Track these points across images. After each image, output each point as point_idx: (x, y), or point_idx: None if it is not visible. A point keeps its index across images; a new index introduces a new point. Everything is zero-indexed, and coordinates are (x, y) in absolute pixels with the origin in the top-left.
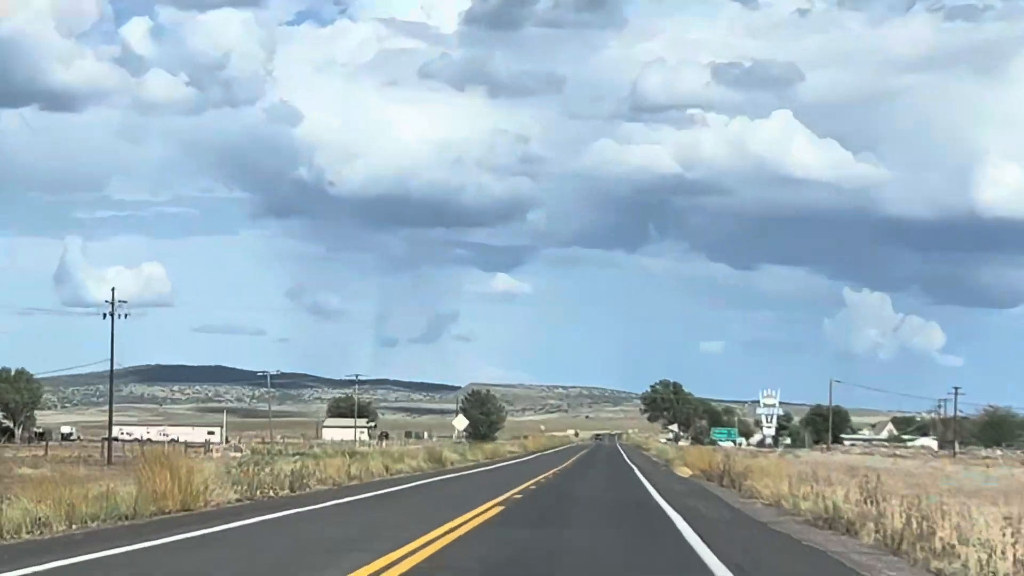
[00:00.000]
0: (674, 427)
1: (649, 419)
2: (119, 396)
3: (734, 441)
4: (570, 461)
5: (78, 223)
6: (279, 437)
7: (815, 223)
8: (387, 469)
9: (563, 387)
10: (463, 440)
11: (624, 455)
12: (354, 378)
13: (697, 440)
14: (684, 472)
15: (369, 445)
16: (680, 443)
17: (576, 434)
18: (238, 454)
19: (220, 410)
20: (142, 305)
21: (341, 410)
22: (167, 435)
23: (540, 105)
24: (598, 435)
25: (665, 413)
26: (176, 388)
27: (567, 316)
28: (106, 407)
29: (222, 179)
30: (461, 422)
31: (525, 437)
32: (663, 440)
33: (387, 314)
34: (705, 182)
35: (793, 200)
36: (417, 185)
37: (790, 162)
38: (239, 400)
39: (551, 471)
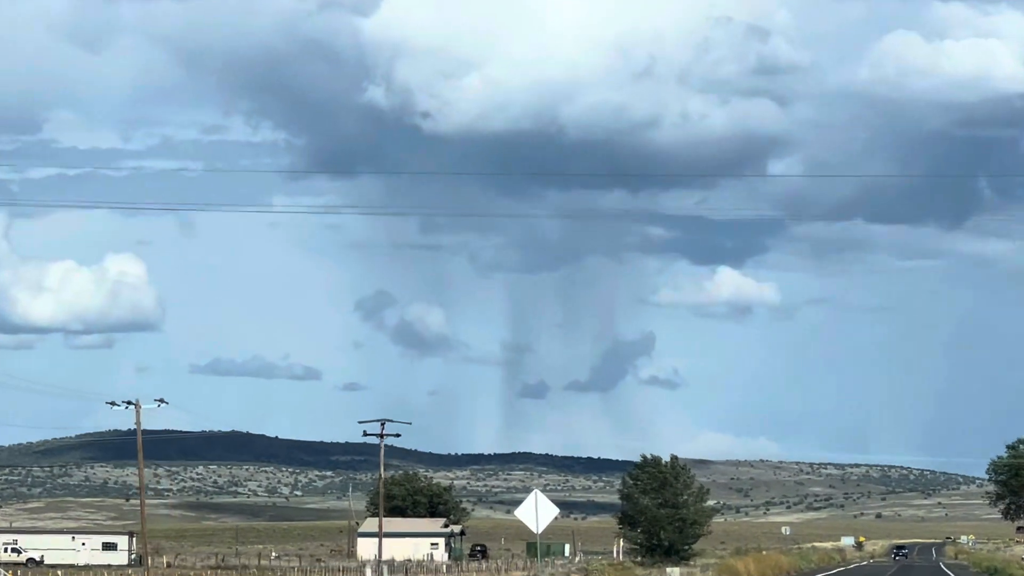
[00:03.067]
0: None
1: (1006, 513)
2: (60, 485)
3: None
4: None
5: None
6: (273, 555)
7: None
8: None
9: (836, 466)
10: (630, 558)
11: None
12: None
13: None
14: None
15: (425, 567)
16: None
17: (859, 545)
18: None
19: (237, 509)
20: (107, 329)
21: (396, 503)
22: (19, 550)
23: None
24: (900, 547)
25: None
26: (163, 470)
27: (843, 343)
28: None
29: (240, 110)
30: (543, 512)
31: (758, 551)
32: None
33: (528, 343)
34: None
35: None
36: (576, 116)
37: None
38: (271, 492)
39: None
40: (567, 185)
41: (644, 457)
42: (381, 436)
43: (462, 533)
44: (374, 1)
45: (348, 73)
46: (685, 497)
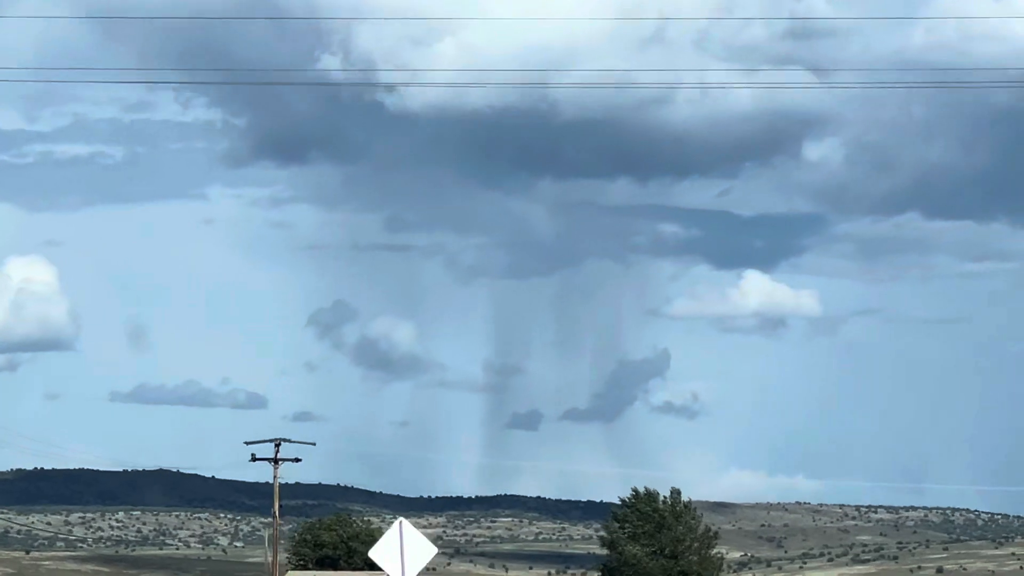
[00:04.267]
0: None
1: None
2: None
3: None
4: None
5: None
6: None
7: None
8: None
9: (888, 509)
10: None
11: None
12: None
13: None
14: None
15: None
16: None
17: None
18: None
19: (162, 564)
20: (9, 349)
21: (325, 552)
22: None
23: None
24: None
25: None
26: (76, 516)
27: (896, 362)
28: None
29: (168, 83)
30: (414, 551)
31: None
32: None
33: (517, 363)
34: None
35: None
36: (571, 90)
37: None
38: (206, 542)
39: None
40: (562, 174)
41: (635, 492)
42: (275, 461)
43: None
44: None
45: (297, 39)
46: (688, 543)
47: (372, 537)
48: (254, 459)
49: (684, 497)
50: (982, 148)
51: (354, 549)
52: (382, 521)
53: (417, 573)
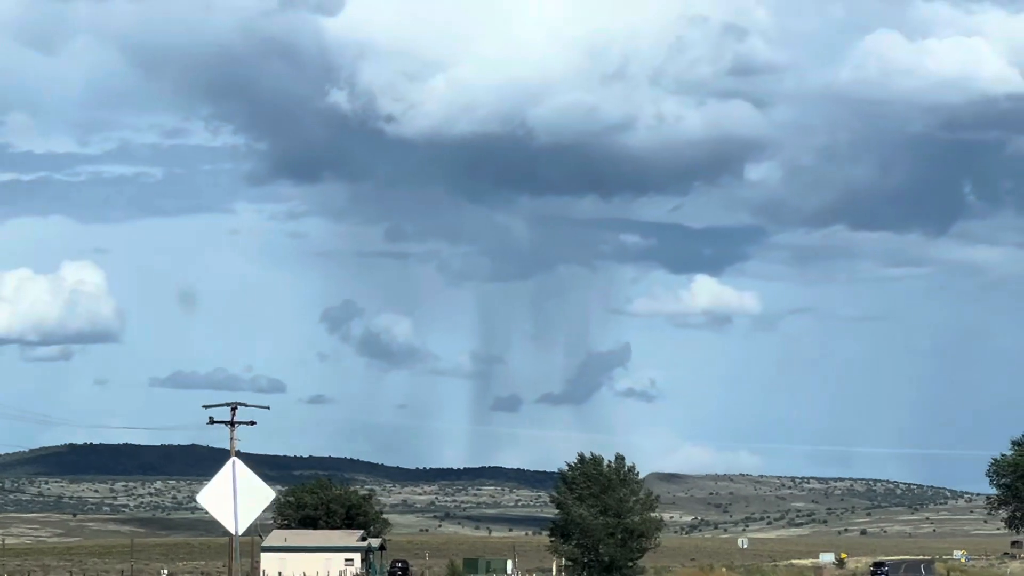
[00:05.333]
0: None
1: (1010, 522)
2: (12, 501)
3: None
4: None
5: None
6: (164, 572)
7: None
8: None
9: (819, 480)
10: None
11: None
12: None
13: None
14: None
15: None
16: None
17: (840, 562)
18: None
19: (190, 526)
20: (64, 340)
21: (307, 512)
22: None
23: None
24: (880, 564)
25: None
26: (120, 485)
27: (826, 353)
28: None
29: (201, 113)
30: (248, 496)
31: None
32: None
33: (499, 354)
34: None
35: None
36: (545, 119)
37: None
38: None
39: None
40: (538, 190)
41: (581, 456)
42: (232, 424)
43: (382, 548)
44: (338, 0)
45: (310, 75)
46: (631, 504)
47: (350, 500)
48: (212, 422)
49: (641, 469)
50: (899, 170)
51: (333, 510)
52: (383, 490)
53: (255, 519)
